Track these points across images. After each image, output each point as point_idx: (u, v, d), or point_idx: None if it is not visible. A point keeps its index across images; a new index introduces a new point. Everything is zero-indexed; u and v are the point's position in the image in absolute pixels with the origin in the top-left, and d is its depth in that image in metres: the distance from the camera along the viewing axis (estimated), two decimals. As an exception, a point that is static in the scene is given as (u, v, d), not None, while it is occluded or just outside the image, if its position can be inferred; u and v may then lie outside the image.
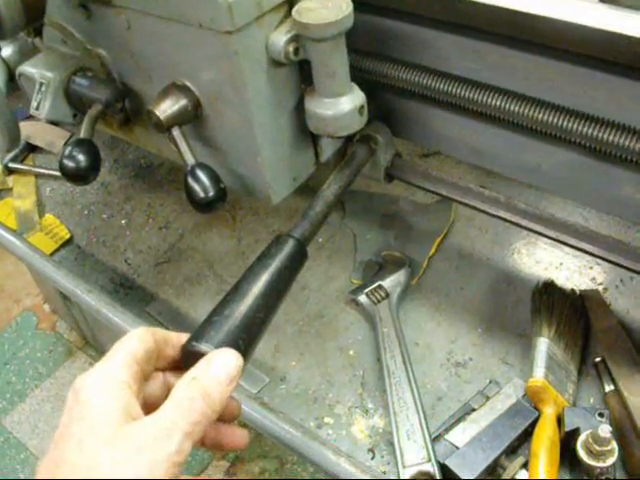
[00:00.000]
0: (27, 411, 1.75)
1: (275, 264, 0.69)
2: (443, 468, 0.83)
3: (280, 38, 0.76)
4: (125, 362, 0.49)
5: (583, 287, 1.03)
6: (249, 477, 1.58)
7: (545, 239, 0.88)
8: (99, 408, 0.46)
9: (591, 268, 1.06)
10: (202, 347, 0.57)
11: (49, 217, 1.29)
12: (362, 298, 1.05)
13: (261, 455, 1.60)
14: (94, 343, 1.80)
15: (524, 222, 0.88)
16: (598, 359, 0.92)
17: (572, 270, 1.06)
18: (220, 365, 0.51)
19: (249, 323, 0.61)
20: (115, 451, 0.43)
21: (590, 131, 0.72)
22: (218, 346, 0.57)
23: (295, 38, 0.76)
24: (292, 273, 0.71)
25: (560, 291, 1.00)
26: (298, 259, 0.73)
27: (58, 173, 0.90)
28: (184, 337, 0.58)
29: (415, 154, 1.24)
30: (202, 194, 0.81)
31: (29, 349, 1.90)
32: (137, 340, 0.51)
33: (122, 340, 0.51)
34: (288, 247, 0.72)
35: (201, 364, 0.51)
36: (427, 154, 1.23)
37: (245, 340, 0.59)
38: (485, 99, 0.79)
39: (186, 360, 0.55)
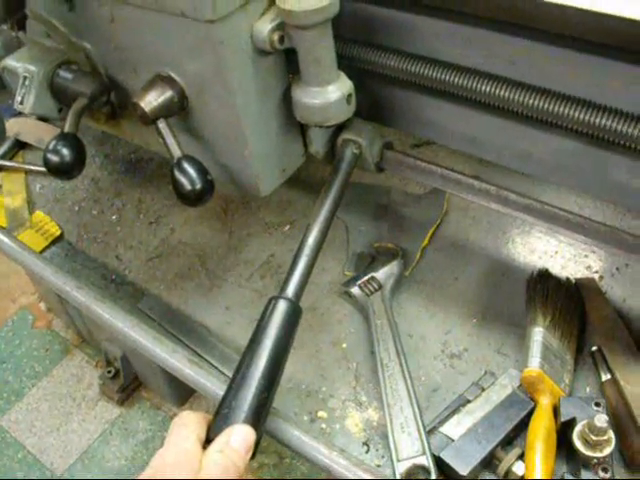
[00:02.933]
0: (24, 410, 1.74)
1: (273, 338, 0.72)
2: (438, 461, 0.82)
3: (265, 26, 0.74)
4: (196, 443, 0.63)
5: (578, 275, 1.02)
6: (250, 473, 1.57)
7: (540, 227, 0.87)
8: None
9: (586, 256, 1.05)
10: None
11: (39, 214, 1.28)
12: (355, 290, 1.03)
13: (259, 450, 1.59)
14: (90, 341, 1.79)
15: (516, 213, 0.87)
16: (594, 348, 0.91)
17: (567, 258, 1.05)
18: (239, 439, 0.64)
19: (256, 406, 0.67)
20: None
21: (583, 116, 0.71)
22: None
23: (280, 26, 0.75)
24: (290, 336, 0.74)
25: (555, 280, 0.99)
26: (294, 320, 0.75)
27: (47, 169, 0.88)
28: None
29: (407, 144, 1.22)
30: (189, 186, 0.80)
31: (25, 348, 1.89)
32: (206, 424, 0.66)
33: (195, 424, 0.65)
34: (283, 313, 0.73)
35: (222, 438, 0.64)
36: (419, 144, 1.21)
37: (255, 423, 0.66)
38: (476, 85, 0.77)
39: None
